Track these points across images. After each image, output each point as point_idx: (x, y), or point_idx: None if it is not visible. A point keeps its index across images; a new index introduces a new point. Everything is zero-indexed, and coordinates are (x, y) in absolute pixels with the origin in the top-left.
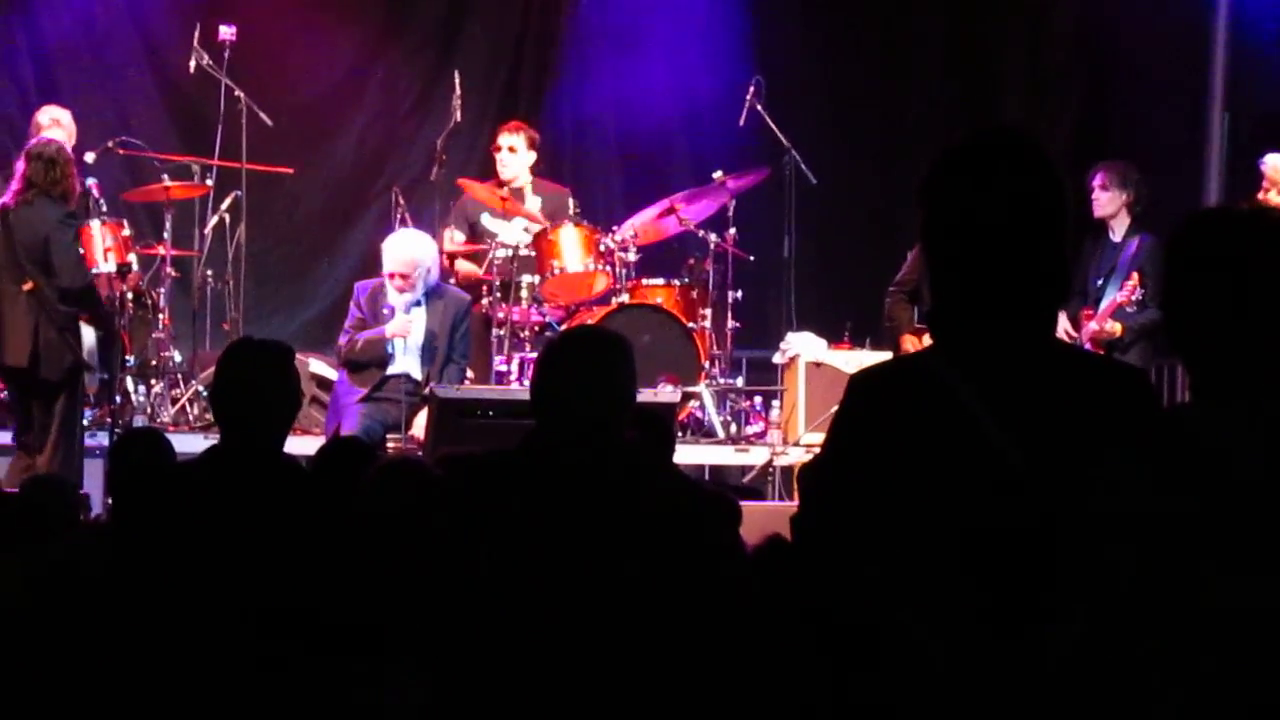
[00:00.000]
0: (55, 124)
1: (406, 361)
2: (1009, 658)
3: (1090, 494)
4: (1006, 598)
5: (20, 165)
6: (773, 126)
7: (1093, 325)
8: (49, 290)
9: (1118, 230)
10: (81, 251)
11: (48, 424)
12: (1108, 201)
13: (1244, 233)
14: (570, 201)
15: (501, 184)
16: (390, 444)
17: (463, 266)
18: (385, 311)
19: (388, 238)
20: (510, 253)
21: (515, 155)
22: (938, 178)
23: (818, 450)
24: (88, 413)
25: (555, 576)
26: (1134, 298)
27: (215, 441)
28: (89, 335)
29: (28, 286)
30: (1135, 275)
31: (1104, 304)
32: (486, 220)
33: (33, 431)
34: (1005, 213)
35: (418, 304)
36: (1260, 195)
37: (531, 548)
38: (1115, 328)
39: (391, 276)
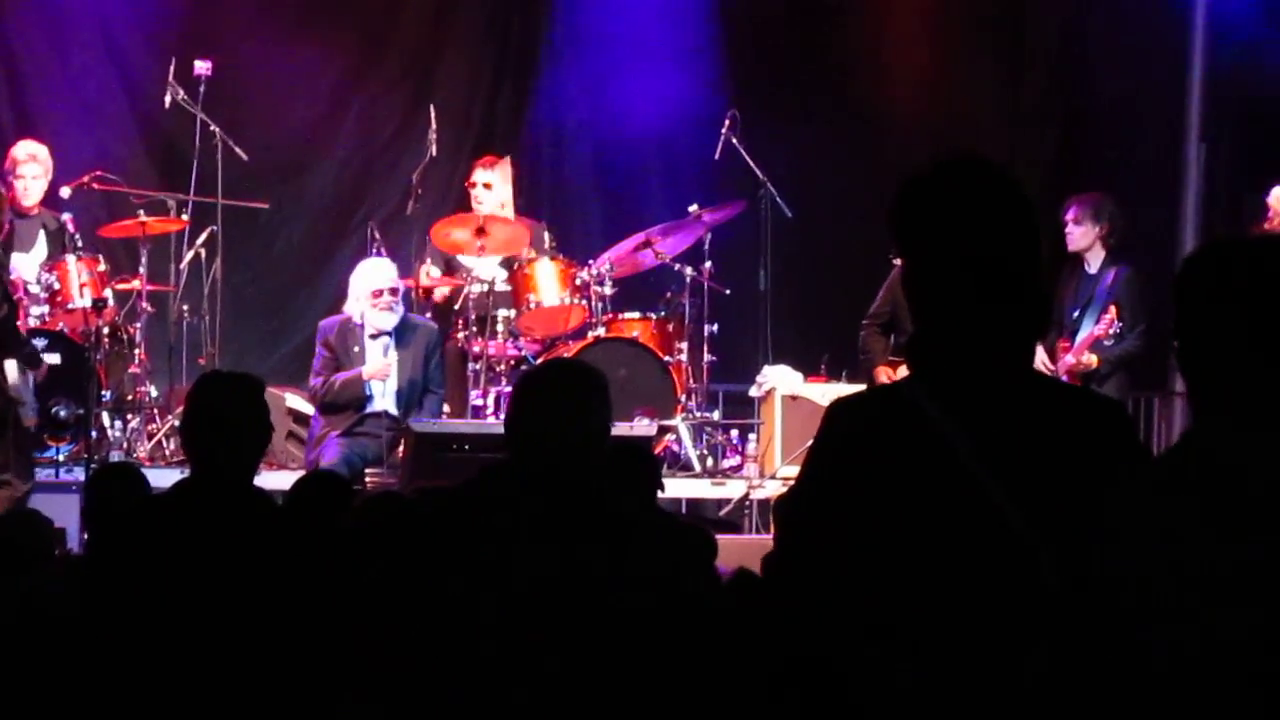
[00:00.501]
0: (31, 159)
1: (384, 401)
2: (982, 690)
3: (1090, 523)
4: (982, 629)
5: None
6: (748, 160)
7: (1070, 358)
8: None
9: (1093, 262)
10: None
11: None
12: (1080, 236)
13: (1258, 261)
14: (546, 235)
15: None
16: (369, 479)
17: (438, 291)
18: (356, 350)
19: (360, 265)
20: (485, 287)
21: (490, 191)
22: (905, 206)
23: (794, 480)
24: (64, 448)
25: (528, 608)
26: (1112, 330)
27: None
28: (12, 369)
29: None
30: (1113, 308)
31: (1081, 336)
32: (462, 257)
33: None
34: (973, 240)
35: (390, 337)
36: (1265, 227)
37: (504, 579)
38: (1092, 360)
39: (379, 294)
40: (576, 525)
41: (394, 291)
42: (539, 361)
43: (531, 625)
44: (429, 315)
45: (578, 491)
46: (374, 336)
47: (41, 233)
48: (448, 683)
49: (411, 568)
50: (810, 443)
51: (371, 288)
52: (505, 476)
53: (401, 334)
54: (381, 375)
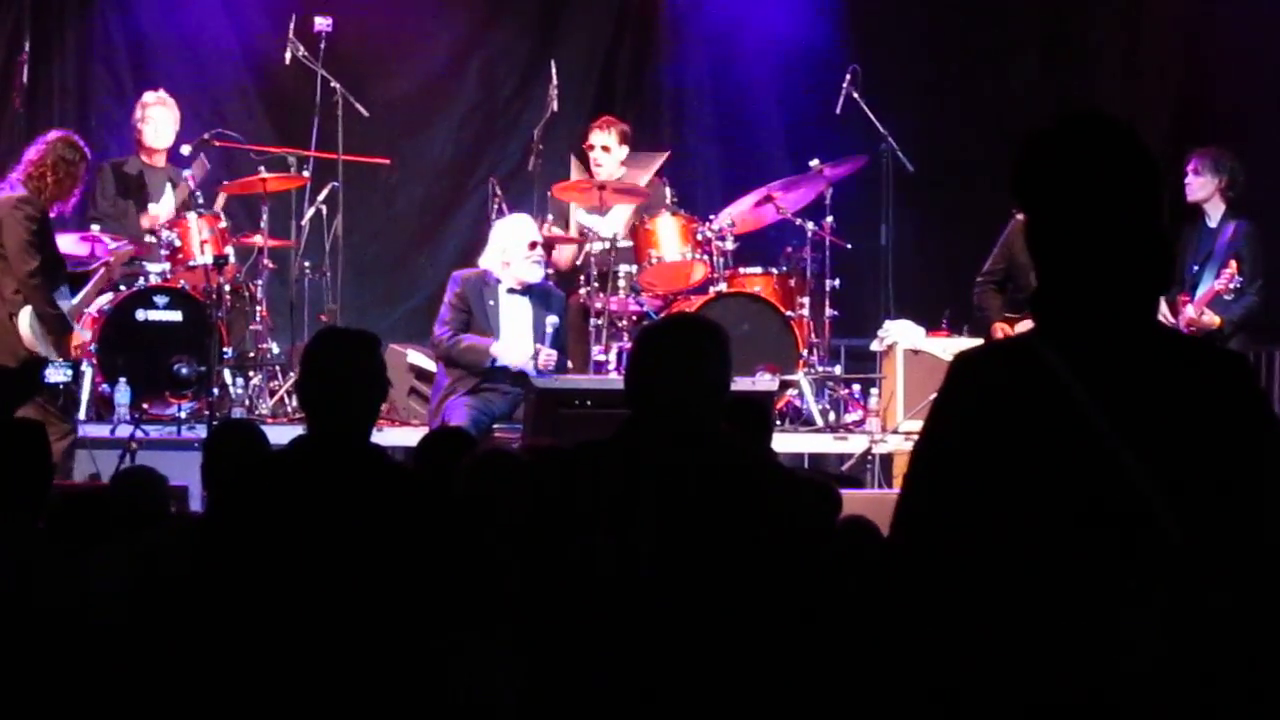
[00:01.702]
0: (162, 103)
1: (516, 355)
2: (1100, 642)
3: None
4: (1102, 583)
5: (29, 152)
6: (869, 115)
7: (1190, 312)
8: (8, 277)
9: (1213, 216)
10: (29, 241)
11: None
12: (1199, 187)
13: None
14: (667, 191)
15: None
16: (497, 433)
17: (559, 255)
18: (491, 304)
19: (507, 219)
20: (607, 245)
21: (609, 154)
22: (1029, 162)
23: (919, 435)
24: (185, 406)
25: (648, 561)
26: (1232, 285)
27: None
28: (24, 321)
29: None
30: (1233, 263)
31: (1201, 291)
32: (582, 217)
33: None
34: (1096, 195)
35: (524, 293)
36: None
37: (624, 534)
38: (1214, 320)
39: (534, 246)
40: (697, 478)
41: (544, 246)
42: (660, 317)
43: (652, 575)
44: (550, 272)
45: (698, 444)
46: (511, 292)
47: (168, 186)
48: (576, 636)
49: (529, 522)
50: (934, 396)
51: (528, 239)
52: (626, 432)
53: (542, 297)
54: (514, 362)
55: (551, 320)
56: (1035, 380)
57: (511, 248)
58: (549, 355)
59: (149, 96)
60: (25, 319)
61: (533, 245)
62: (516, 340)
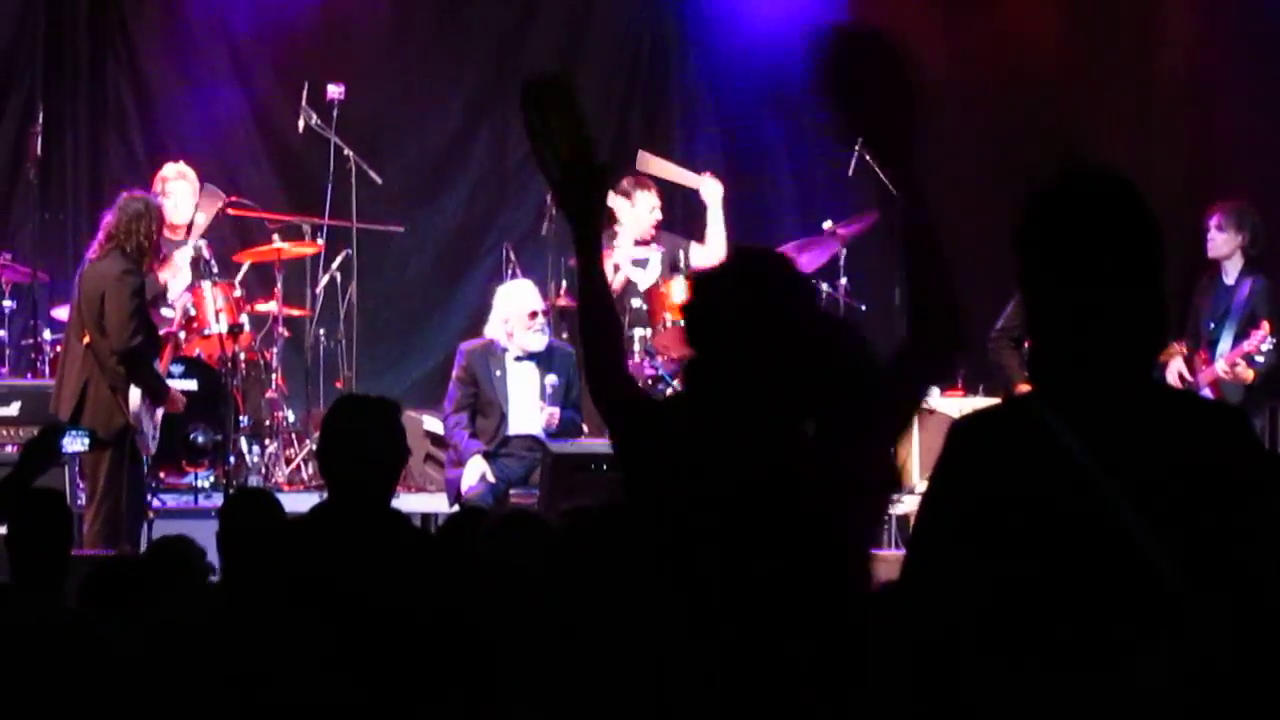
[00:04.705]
0: (181, 176)
1: (526, 422)
2: (1109, 696)
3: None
4: (1108, 639)
5: (107, 217)
6: (882, 176)
7: (1221, 366)
8: (104, 347)
9: (1230, 272)
10: (134, 313)
11: (94, 484)
12: (1223, 242)
13: None
14: (682, 254)
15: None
16: (514, 497)
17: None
18: (499, 374)
19: (506, 287)
20: (642, 303)
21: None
22: (1032, 222)
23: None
24: (202, 474)
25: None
26: (1263, 346)
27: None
28: (135, 397)
29: (85, 341)
30: (1266, 324)
31: (1230, 349)
32: (629, 267)
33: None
34: (1101, 256)
35: (531, 358)
36: None
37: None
38: (1248, 374)
39: (535, 315)
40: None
41: (546, 313)
42: (676, 382)
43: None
44: (565, 335)
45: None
46: (519, 359)
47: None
48: (598, 694)
49: (554, 585)
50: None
51: (528, 309)
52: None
53: (547, 358)
54: (470, 491)
55: (550, 379)
56: (1034, 440)
57: (513, 317)
58: (549, 413)
59: (169, 170)
60: (136, 395)
61: (533, 315)
62: (526, 408)
